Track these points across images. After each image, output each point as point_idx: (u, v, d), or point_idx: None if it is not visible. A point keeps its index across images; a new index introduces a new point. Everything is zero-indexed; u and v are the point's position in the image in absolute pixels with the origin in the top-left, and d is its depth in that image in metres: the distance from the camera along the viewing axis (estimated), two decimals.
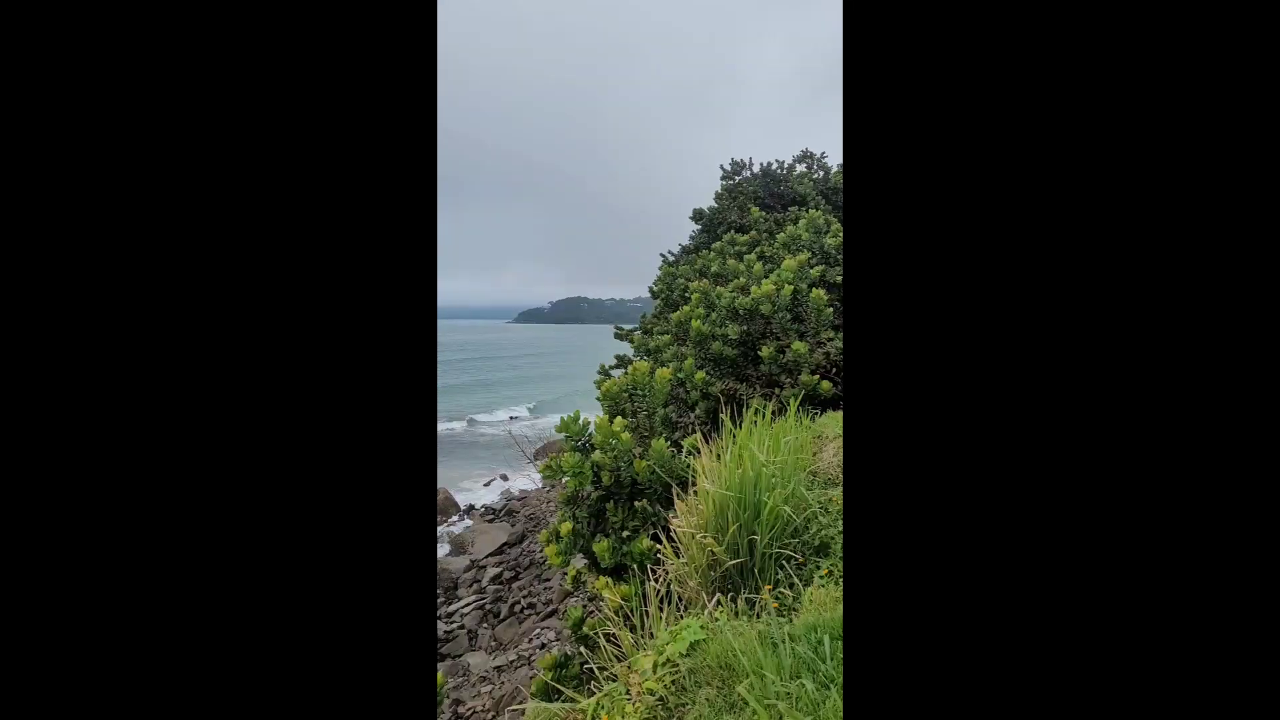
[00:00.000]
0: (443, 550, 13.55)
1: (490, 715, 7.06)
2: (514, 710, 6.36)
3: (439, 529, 15.01)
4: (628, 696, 1.62)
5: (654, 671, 1.64)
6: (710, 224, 10.13)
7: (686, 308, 5.63)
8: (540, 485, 16.45)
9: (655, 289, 8.81)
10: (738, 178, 10.57)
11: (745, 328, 5.17)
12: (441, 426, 28.96)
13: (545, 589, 10.35)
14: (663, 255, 10.34)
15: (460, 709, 7.29)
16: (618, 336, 9.72)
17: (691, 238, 10.70)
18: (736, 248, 7.38)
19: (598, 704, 1.67)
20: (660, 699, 1.56)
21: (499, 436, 24.19)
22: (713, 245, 8.03)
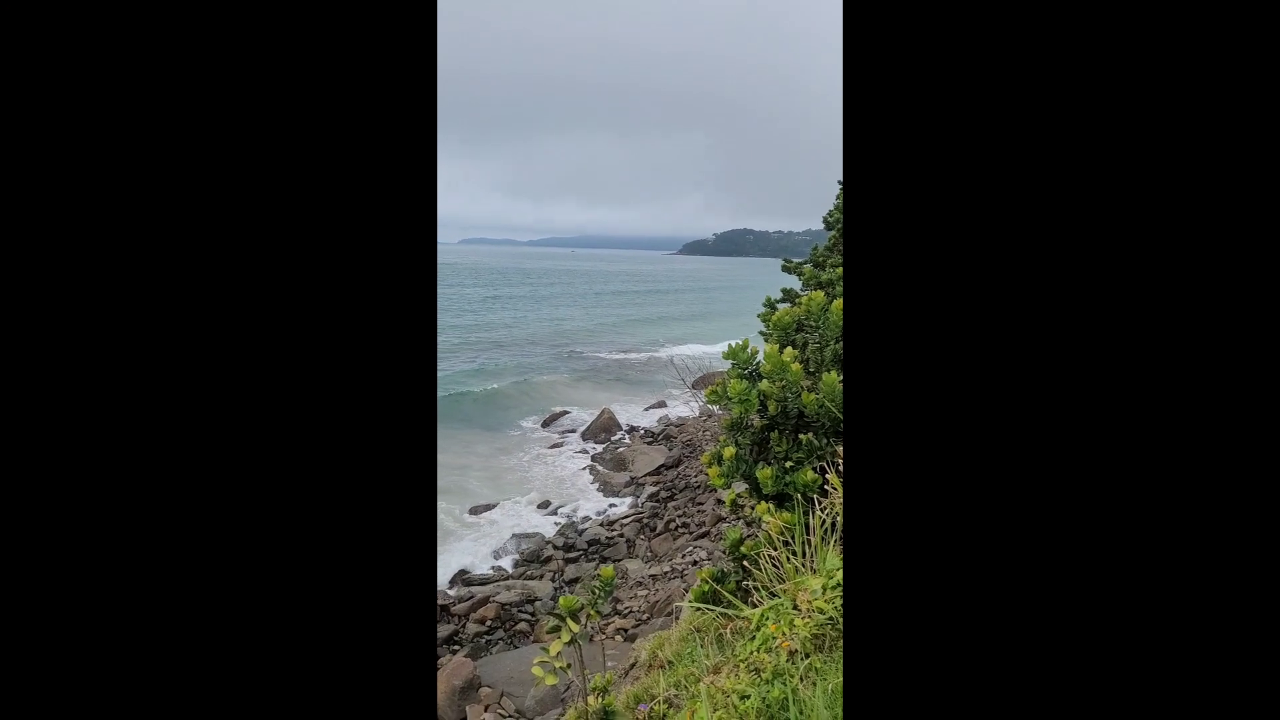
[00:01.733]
0: (605, 466, 14.52)
1: (645, 615, 7.66)
2: (668, 615, 6.82)
3: (606, 443, 16.08)
4: (796, 611, 1.67)
5: (823, 593, 1.66)
6: None
7: None
8: (697, 414, 16.83)
9: (830, 219, 8.31)
10: None
11: None
12: (611, 356, 30.39)
13: (699, 511, 10.77)
14: (841, 184, 9.67)
15: (619, 606, 7.97)
16: (785, 269, 9.40)
17: None
18: None
19: (763, 614, 1.74)
20: (830, 619, 1.59)
21: (661, 366, 24.95)
22: None
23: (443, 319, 38.65)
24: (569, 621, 2.72)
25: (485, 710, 6.55)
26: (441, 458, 14.89)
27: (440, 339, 30.29)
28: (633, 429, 17.27)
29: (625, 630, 7.52)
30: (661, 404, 20.01)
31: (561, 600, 2.80)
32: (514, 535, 11.11)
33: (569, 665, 2.73)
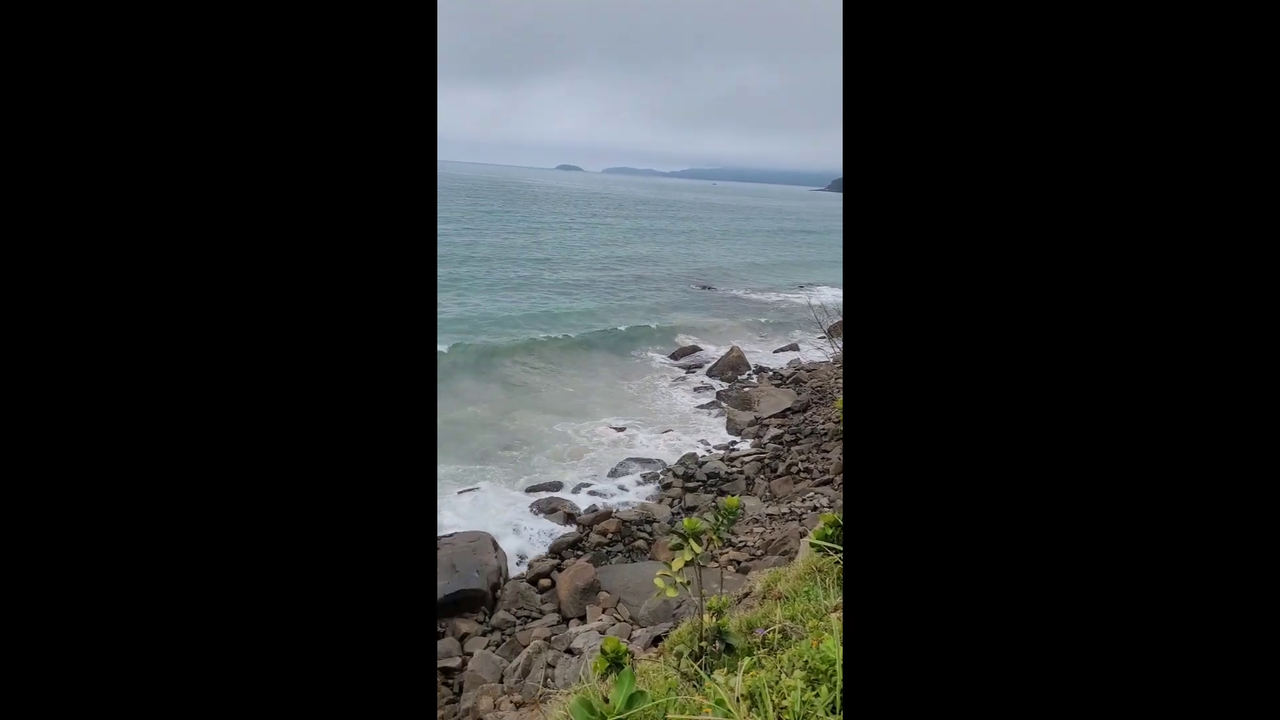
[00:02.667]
0: (730, 404, 14.55)
1: (760, 552, 7.78)
2: (782, 554, 6.88)
3: (733, 381, 16.08)
4: None
5: None
6: None
7: None
8: (830, 361, 16.24)
9: None
10: None
11: None
12: (744, 295, 29.83)
13: (823, 459, 10.57)
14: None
15: (734, 539, 8.15)
16: None
17: None
18: None
19: None
20: None
21: (797, 309, 24.17)
22: None
23: (586, 250, 39.67)
24: (691, 542, 2.83)
25: (603, 612, 7.10)
26: (570, 382, 15.72)
27: (577, 274, 31.19)
28: (761, 370, 17.07)
29: (738, 562, 7.71)
30: (794, 347, 19.51)
31: (685, 521, 2.91)
32: (636, 459, 11.60)
33: (689, 582, 2.86)
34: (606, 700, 1.58)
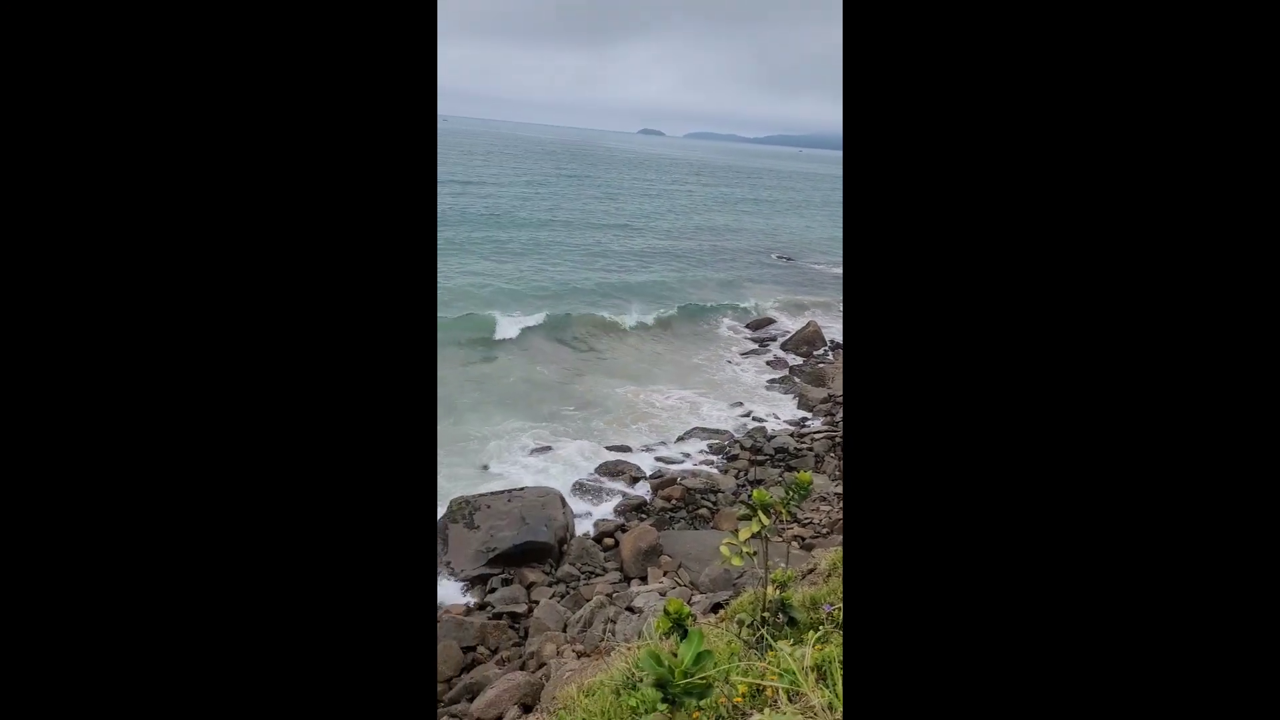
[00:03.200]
0: (803, 379, 14.25)
1: (825, 530, 7.70)
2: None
3: (808, 356, 15.74)
4: None
5: None
6: None
7: None
8: None
9: None
10: None
11: None
12: (825, 269, 28.93)
13: None
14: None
15: (799, 515, 8.09)
16: None
17: None
18: None
19: None
20: None
21: None
22: None
23: (664, 218, 39.38)
24: (760, 514, 2.83)
25: (664, 575, 7.25)
26: (642, 350, 15.80)
27: (655, 242, 31.02)
28: (837, 346, 16.59)
29: (803, 539, 7.66)
30: None
31: (755, 493, 2.91)
32: (704, 429, 11.62)
33: (755, 553, 2.87)
34: (675, 655, 1.63)
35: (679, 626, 2.35)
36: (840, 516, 7.88)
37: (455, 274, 20.21)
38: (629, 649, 3.12)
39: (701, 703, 1.64)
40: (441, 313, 16.25)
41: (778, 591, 3.04)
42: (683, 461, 10.59)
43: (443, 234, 25.30)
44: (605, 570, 7.59)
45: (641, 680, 2.54)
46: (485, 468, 9.89)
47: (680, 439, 11.30)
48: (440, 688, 5.69)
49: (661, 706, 1.64)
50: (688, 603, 5.86)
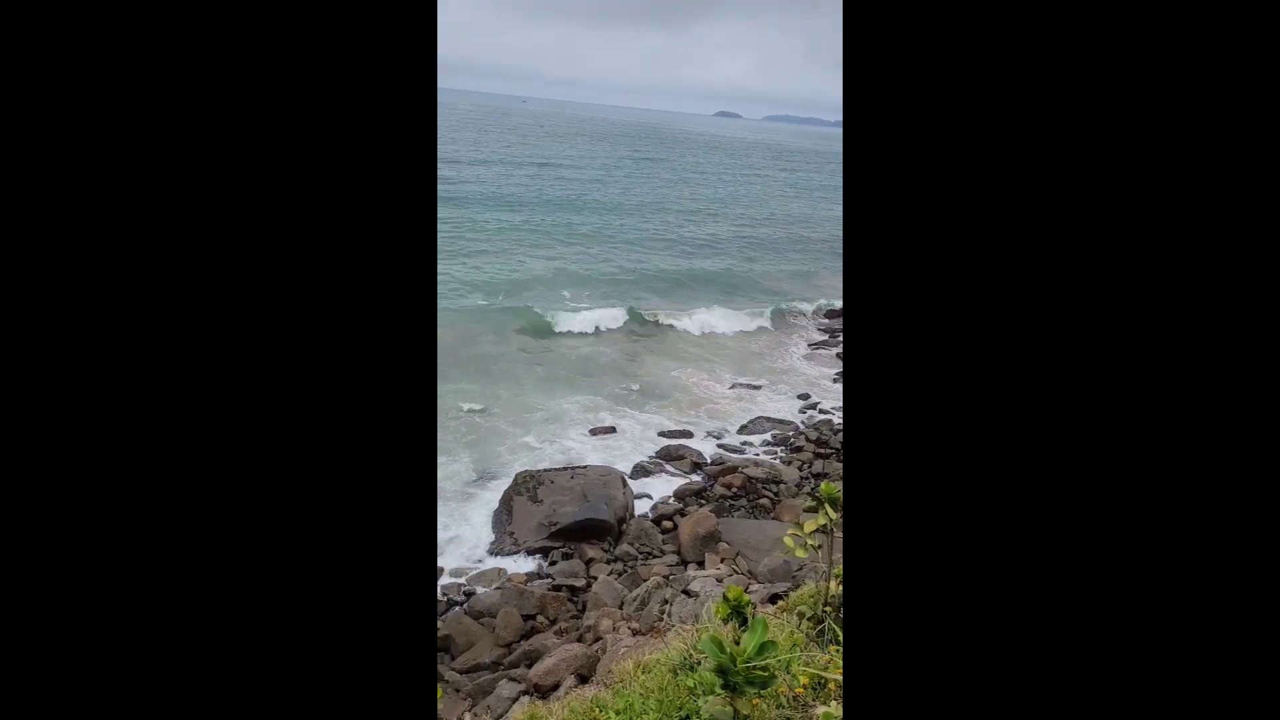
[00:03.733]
0: None
1: None
2: None
3: None
4: None
5: None
6: None
7: None
8: None
9: None
10: None
11: None
12: None
13: None
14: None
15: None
16: None
17: None
18: None
19: None
20: None
21: None
22: None
23: (738, 205, 38.77)
24: (827, 507, 2.78)
25: (721, 561, 7.25)
26: (707, 337, 15.67)
27: (727, 228, 30.59)
28: None
29: None
30: None
31: (823, 486, 2.85)
32: (768, 418, 11.47)
33: (819, 546, 2.82)
34: (737, 643, 1.63)
35: (738, 613, 2.34)
36: None
37: (527, 257, 20.62)
38: (686, 631, 3.15)
39: (762, 691, 1.63)
40: (511, 297, 16.65)
41: (840, 586, 2.98)
42: (745, 450, 10.50)
43: (517, 216, 25.83)
44: (663, 552, 7.66)
45: (700, 663, 2.56)
46: (548, 444, 10.13)
47: (743, 428, 11.20)
48: (500, 651, 5.92)
49: (721, 691, 1.65)
50: (745, 591, 5.84)
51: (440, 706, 4.68)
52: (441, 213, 24.10)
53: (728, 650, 1.58)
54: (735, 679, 1.55)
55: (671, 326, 15.95)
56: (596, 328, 15.20)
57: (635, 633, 5.21)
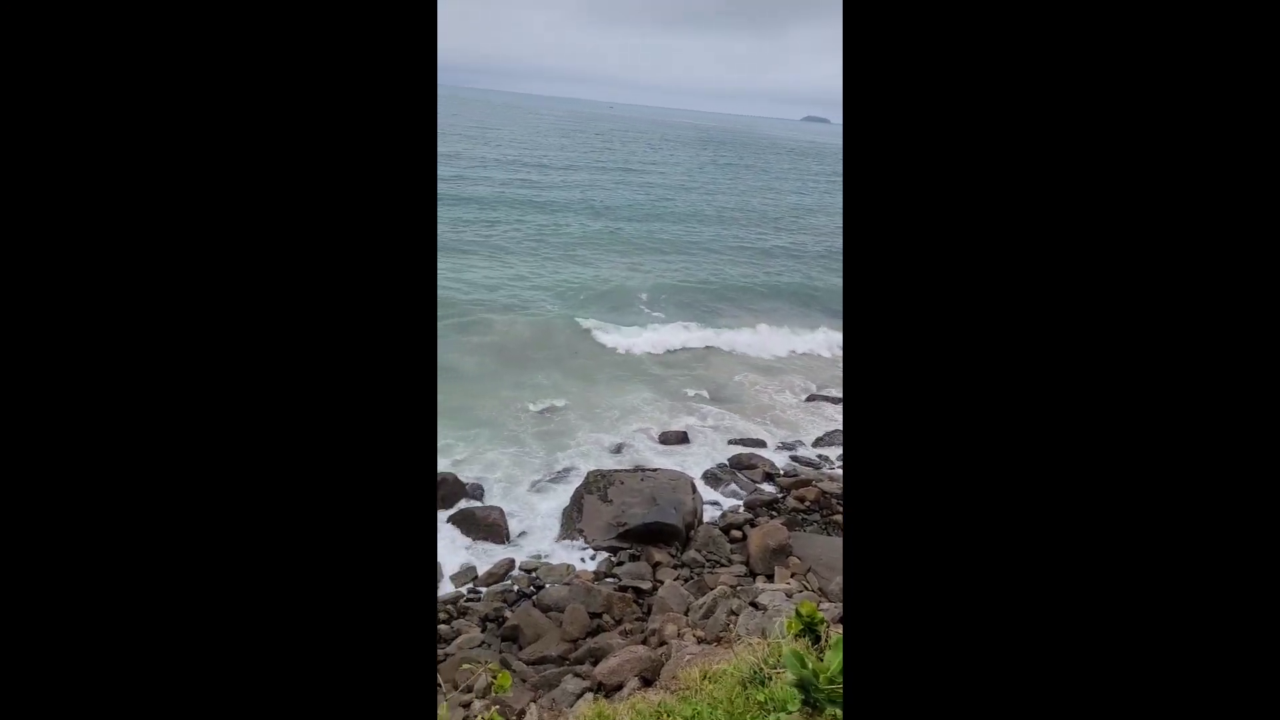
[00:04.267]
0: None
1: None
2: None
3: None
4: None
5: None
6: None
7: None
8: None
9: None
10: None
11: None
12: None
13: None
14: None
15: None
16: None
17: None
18: None
19: None
20: None
21: None
22: None
23: (821, 215, 37.89)
24: None
25: (791, 576, 7.07)
26: (784, 350, 15.34)
27: (805, 239, 29.93)
28: None
29: None
30: None
31: None
32: (840, 430, 11.09)
33: None
34: (820, 660, 1.58)
35: (810, 630, 2.27)
36: None
37: (606, 263, 20.91)
38: (757, 644, 3.08)
39: (840, 712, 1.58)
40: (589, 302, 16.91)
41: None
42: (820, 465, 10.21)
43: (597, 222, 26.25)
44: (730, 562, 7.55)
45: (771, 678, 2.50)
46: (618, 445, 10.21)
47: (818, 441, 10.90)
48: (566, 646, 6.01)
49: (797, 708, 1.60)
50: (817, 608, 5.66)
51: (509, 694, 4.79)
52: (525, 217, 24.89)
53: (809, 666, 1.53)
54: (818, 696, 1.50)
55: (748, 337, 15.75)
56: (671, 335, 15.22)
57: (700, 640, 5.16)
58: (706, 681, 2.85)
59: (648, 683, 4.49)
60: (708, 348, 14.88)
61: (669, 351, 14.21)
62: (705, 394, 12.32)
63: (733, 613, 5.73)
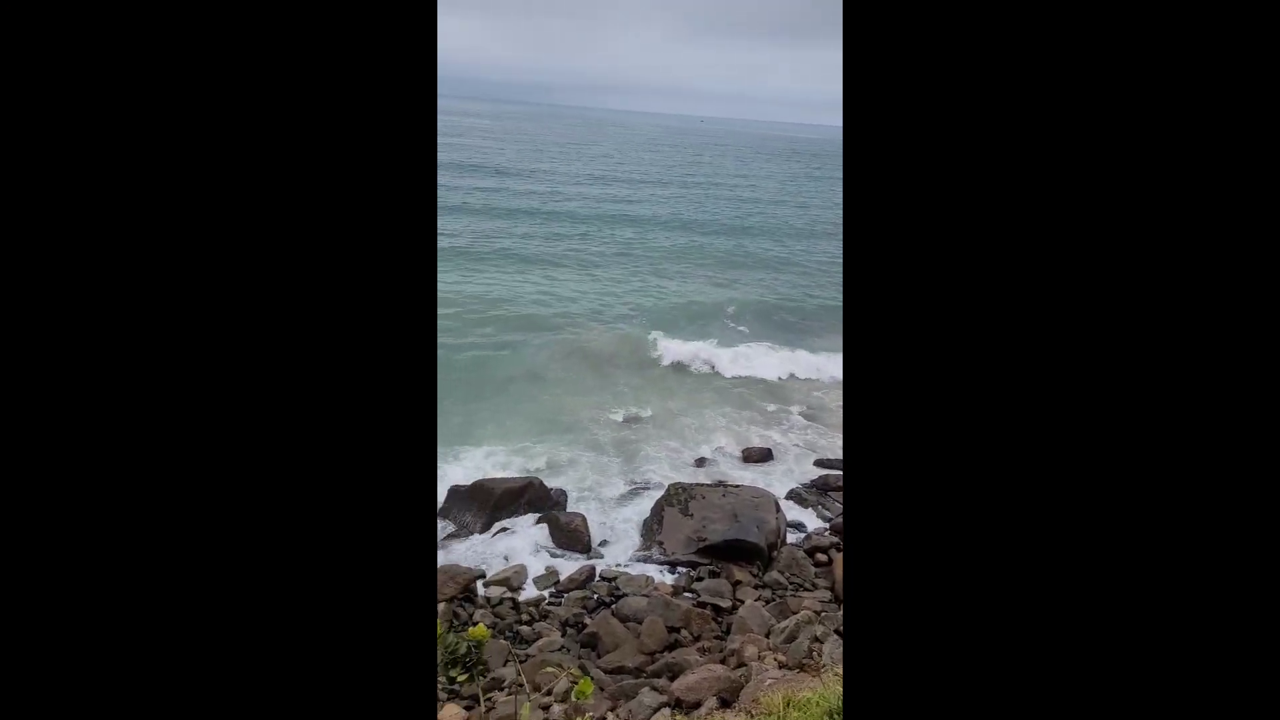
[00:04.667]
0: None
1: None
2: None
3: None
4: None
5: None
6: None
7: None
8: None
9: None
10: None
11: None
12: None
13: None
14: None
15: None
16: None
17: None
18: None
19: None
20: None
21: None
22: None
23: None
24: None
25: None
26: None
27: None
28: None
29: None
30: None
31: None
32: None
33: None
34: None
35: None
36: None
37: (693, 280, 20.92)
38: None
39: None
40: (675, 318, 16.95)
41: None
42: None
43: (684, 238, 26.34)
44: (815, 586, 7.31)
45: None
46: (701, 459, 10.15)
47: None
48: (644, 659, 6.00)
49: None
50: None
51: (590, 701, 4.85)
52: (614, 233, 25.37)
53: None
54: None
55: (835, 356, 15.28)
56: (756, 351, 15.00)
57: (782, 665, 5.01)
58: (791, 709, 2.76)
59: (726, 704, 4.41)
60: (796, 367, 14.56)
61: (755, 370, 14.01)
62: (790, 411, 12.05)
63: (816, 639, 5.54)
